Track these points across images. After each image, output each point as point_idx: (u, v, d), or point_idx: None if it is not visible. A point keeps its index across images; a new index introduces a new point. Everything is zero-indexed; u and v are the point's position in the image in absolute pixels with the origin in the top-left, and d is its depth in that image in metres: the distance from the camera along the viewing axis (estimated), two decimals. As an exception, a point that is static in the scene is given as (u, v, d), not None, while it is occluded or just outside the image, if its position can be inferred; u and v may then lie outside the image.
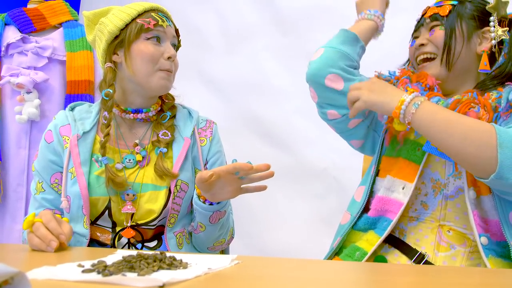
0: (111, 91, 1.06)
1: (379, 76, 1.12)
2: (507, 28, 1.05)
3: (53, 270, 0.65)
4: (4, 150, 1.50)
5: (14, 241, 1.46)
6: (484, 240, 0.92)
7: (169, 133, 1.09)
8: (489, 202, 0.94)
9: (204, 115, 1.18)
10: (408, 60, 1.17)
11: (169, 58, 1.06)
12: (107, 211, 1.03)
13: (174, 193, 1.04)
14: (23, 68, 1.50)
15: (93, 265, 0.67)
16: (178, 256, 0.73)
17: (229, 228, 1.08)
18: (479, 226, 0.92)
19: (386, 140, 1.08)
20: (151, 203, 1.03)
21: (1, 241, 1.47)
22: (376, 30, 1.15)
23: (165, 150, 1.07)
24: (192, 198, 1.08)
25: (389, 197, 1.00)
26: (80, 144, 1.06)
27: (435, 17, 1.07)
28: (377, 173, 1.07)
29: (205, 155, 1.12)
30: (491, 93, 0.99)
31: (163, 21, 1.08)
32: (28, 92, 1.49)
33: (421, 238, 0.97)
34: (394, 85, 1.07)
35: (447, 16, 1.05)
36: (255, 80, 2.19)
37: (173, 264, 0.68)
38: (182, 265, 0.69)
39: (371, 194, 1.05)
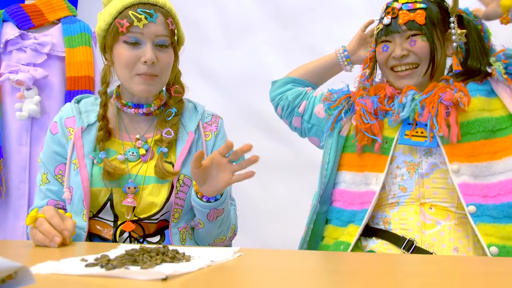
0: (101, 88, 1.06)
1: (330, 92, 1.21)
2: (465, 31, 1.10)
3: (57, 264, 0.65)
4: (5, 147, 1.50)
5: (18, 238, 1.47)
6: (472, 208, 0.96)
7: (172, 132, 1.06)
8: (468, 168, 0.99)
9: (210, 110, 1.17)
10: (369, 73, 1.19)
11: (145, 62, 0.99)
12: (109, 203, 1.03)
13: (176, 187, 1.03)
14: (22, 65, 1.50)
15: (96, 259, 0.67)
16: (181, 249, 0.74)
17: (231, 226, 1.07)
18: (466, 196, 0.97)
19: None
20: (153, 196, 1.03)
21: (5, 238, 1.48)
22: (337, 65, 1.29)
23: (165, 150, 1.05)
24: None
25: (367, 190, 1.06)
26: (84, 136, 1.06)
27: (412, 25, 1.07)
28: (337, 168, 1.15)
29: (209, 150, 1.10)
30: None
31: (139, 20, 0.99)
32: (28, 89, 1.48)
33: (406, 222, 1.01)
34: (346, 101, 1.17)
35: (425, 24, 1.07)
36: (256, 74, 2.19)
37: (175, 257, 0.68)
38: (184, 258, 0.69)
39: (333, 186, 1.14)
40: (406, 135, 1.04)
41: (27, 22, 1.54)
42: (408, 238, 0.98)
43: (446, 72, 1.17)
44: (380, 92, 1.11)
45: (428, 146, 1.01)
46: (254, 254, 0.78)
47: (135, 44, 1.01)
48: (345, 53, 1.28)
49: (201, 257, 0.71)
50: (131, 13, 0.99)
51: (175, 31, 1.07)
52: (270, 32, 2.16)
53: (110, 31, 1.02)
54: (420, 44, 1.07)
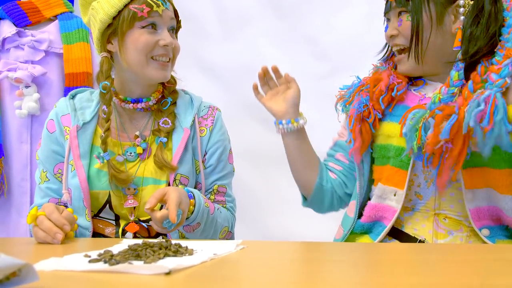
0: (108, 83, 1.02)
1: (341, 90, 1.10)
2: None
3: (60, 261, 0.66)
4: (6, 145, 1.50)
5: (21, 235, 1.47)
6: (485, 232, 0.91)
7: (169, 121, 1.06)
8: (484, 193, 0.92)
9: (207, 101, 1.14)
10: (383, 51, 1.09)
11: (165, 46, 1.01)
12: (108, 205, 1.03)
13: (168, 170, 1.02)
14: (20, 62, 1.49)
15: (99, 255, 0.67)
16: (184, 243, 0.74)
17: (220, 229, 1.03)
18: (477, 222, 0.91)
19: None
20: None
21: (8, 235, 1.48)
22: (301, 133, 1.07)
23: (165, 140, 1.04)
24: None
25: (382, 203, 0.99)
26: (80, 135, 1.04)
27: (400, 0, 0.97)
28: (372, 182, 1.05)
29: (204, 146, 1.08)
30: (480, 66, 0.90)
31: (158, 6, 1.01)
32: (27, 86, 1.48)
33: (418, 228, 0.96)
34: (361, 91, 1.03)
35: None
36: (254, 66, 2.16)
37: (178, 251, 0.69)
38: (187, 251, 0.69)
39: (364, 202, 1.04)
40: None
41: (24, 20, 1.54)
42: (419, 239, 0.94)
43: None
44: (375, 89, 1.00)
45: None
46: (257, 247, 0.78)
47: (153, 28, 1.02)
48: (283, 123, 1.06)
49: (204, 250, 0.72)
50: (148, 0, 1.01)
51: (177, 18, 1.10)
52: (267, 24, 2.15)
53: (124, 17, 1.01)
54: (405, 23, 0.97)
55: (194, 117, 1.08)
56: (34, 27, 1.56)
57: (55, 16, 1.59)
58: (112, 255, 0.66)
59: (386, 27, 1.03)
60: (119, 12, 1.01)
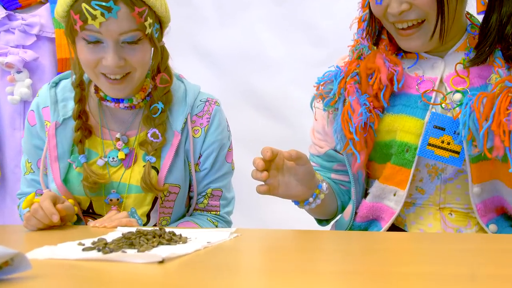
0: (73, 80, 0.92)
1: (318, 84, 0.92)
2: None
3: (54, 249, 0.65)
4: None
5: (16, 222, 1.47)
6: (493, 228, 0.86)
7: (159, 134, 0.93)
8: (491, 185, 0.86)
9: (205, 91, 1.02)
10: (366, 27, 0.92)
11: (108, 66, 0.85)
12: (91, 209, 0.98)
13: (161, 198, 0.94)
14: (11, 47, 1.46)
15: (93, 243, 0.67)
16: (178, 231, 0.74)
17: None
18: (484, 217, 0.86)
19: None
20: (137, 207, 0.95)
21: (3, 222, 1.48)
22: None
23: (153, 160, 0.93)
24: (187, 196, 0.99)
25: (379, 203, 0.90)
26: (59, 133, 0.94)
27: None
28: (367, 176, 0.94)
29: (198, 149, 0.97)
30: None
31: (94, 18, 0.81)
32: (18, 72, 1.46)
33: (425, 228, 0.88)
34: (341, 82, 0.88)
35: None
36: (251, 52, 2.17)
37: (172, 239, 0.68)
38: (181, 240, 0.69)
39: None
40: (429, 144, 0.84)
41: (13, 2, 1.50)
42: None
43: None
44: (374, 78, 0.86)
45: (453, 164, 0.83)
46: (251, 235, 0.78)
47: (96, 42, 0.86)
48: (310, 201, 0.89)
49: (198, 238, 0.72)
50: (85, 7, 0.82)
51: (149, 20, 0.86)
52: (264, 9, 2.13)
53: (67, 23, 0.88)
54: None
55: (186, 117, 0.96)
56: (24, 10, 1.52)
57: (46, -1, 1.57)
58: (106, 243, 0.66)
59: (379, 2, 0.85)
60: (67, 15, 0.87)
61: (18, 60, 1.44)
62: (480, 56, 0.85)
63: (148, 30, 0.87)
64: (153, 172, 0.93)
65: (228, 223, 1.05)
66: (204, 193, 1.01)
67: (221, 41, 2.17)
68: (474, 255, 0.62)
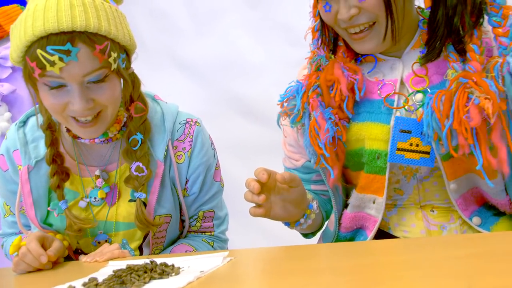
0: (42, 122, 0.86)
1: (281, 101, 0.91)
2: None
3: (44, 295, 0.64)
4: (-17, 168, 1.46)
5: (5, 262, 1.44)
6: (476, 220, 0.85)
7: (144, 168, 0.87)
8: (468, 180, 0.85)
9: (184, 111, 0.97)
10: (321, 36, 0.91)
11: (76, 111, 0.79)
12: (79, 250, 0.95)
13: (152, 230, 0.91)
14: (-13, 81, 1.44)
15: (84, 284, 0.66)
16: (170, 260, 0.72)
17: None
18: (465, 211, 0.86)
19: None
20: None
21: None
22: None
23: (143, 196, 0.88)
24: (179, 220, 0.97)
25: (360, 212, 0.90)
26: (32, 177, 0.88)
27: None
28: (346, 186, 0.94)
29: (183, 174, 0.93)
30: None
31: (52, 65, 0.74)
32: (-3, 106, 1.44)
33: (409, 229, 0.88)
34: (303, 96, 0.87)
35: None
36: (230, 58, 2.15)
37: (164, 271, 0.67)
38: (173, 271, 0.68)
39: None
40: (398, 149, 0.83)
41: (-15, 37, 1.48)
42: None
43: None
44: (335, 90, 0.85)
45: (425, 165, 0.83)
46: (245, 257, 0.76)
47: (59, 87, 0.79)
48: (301, 222, 0.89)
49: (190, 267, 0.70)
50: (40, 54, 0.75)
51: (113, 54, 0.79)
52: (240, 15, 2.12)
53: (24, 68, 0.80)
54: None
55: (167, 145, 0.91)
56: (-3, 43, 1.51)
57: (18, 30, 1.54)
58: (96, 284, 0.65)
59: (329, 8, 0.83)
60: (22, 59, 0.80)
61: (-5, 94, 1.42)
62: (431, 52, 0.83)
63: (114, 66, 0.80)
64: (144, 210, 0.89)
65: (224, 242, 1.03)
66: (196, 216, 0.99)
67: (200, 51, 2.16)
68: (470, 262, 0.60)
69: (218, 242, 1.01)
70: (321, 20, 0.89)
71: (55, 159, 0.89)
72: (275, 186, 0.81)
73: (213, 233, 1.01)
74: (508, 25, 0.78)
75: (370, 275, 0.58)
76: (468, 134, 0.75)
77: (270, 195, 0.81)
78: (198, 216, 0.99)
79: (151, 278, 0.65)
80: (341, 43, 0.92)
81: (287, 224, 0.89)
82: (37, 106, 0.89)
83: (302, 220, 0.87)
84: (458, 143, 0.77)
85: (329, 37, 0.91)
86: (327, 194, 0.98)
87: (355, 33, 0.84)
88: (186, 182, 0.95)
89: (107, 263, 0.81)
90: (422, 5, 0.90)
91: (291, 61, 2.04)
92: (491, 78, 0.76)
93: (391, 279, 0.55)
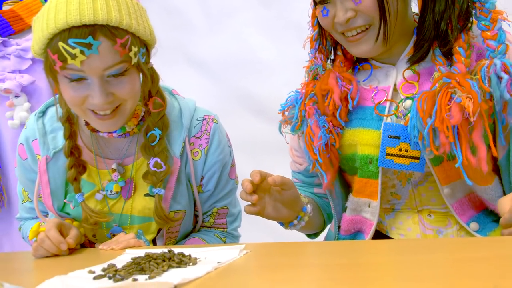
0: (61, 115, 0.87)
1: (281, 111, 0.94)
2: None
3: (65, 279, 0.66)
4: (2, 156, 1.50)
5: (24, 244, 1.48)
6: (474, 226, 0.86)
7: (162, 163, 0.87)
8: (463, 185, 0.85)
9: (201, 107, 0.97)
10: (319, 45, 0.94)
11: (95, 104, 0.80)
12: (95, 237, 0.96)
13: (170, 226, 0.92)
14: (8, 72, 1.48)
15: (103, 270, 0.68)
16: (187, 251, 0.74)
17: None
18: (462, 216, 0.86)
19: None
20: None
21: (13, 247, 1.49)
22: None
23: (162, 192, 0.89)
24: (193, 214, 0.98)
25: (358, 216, 0.93)
26: (50, 168, 0.89)
27: None
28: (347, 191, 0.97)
29: (199, 171, 0.93)
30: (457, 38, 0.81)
31: (73, 57, 0.75)
32: (17, 96, 1.47)
33: (405, 233, 0.90)
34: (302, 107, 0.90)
35: None
36: (243, 56, 2.17)
37: (182, 261, 0.69)
38: (191, 261, 0.69)
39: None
40: (388, 154, 0.85)
41: (7, 29, 1.51)
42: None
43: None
44: (329, 99, 0.87)
45: (415, 170, 0.84)
46: (261, 250, 0.78)
47: (80, 80, 0.80)
48: (295, 223, 0.92)
49: (207, 258, 0.72)
50: (62, 46, 0.75)
51: (134, 48, 0.80)
52: (253, 13, 2.13)
53: (45, 60, 0.81)
54: (367, 0, 0.81)
55: (184, 141, 0.91)
56: (18, 35, 1.54)
57: (39, 22, 1.58)
58: (116, 270, 0.67)
59: (327, 12, 0.86)
60: (44, 51, 0.81)
61: (15, 85, 1.45)
62: (418, 53, 0.85)
63: (134, 60, 0.81)
64: (163, 206, 0.90)
65: (236, 238, 1.04)
66: (209, 213, 1.00)
67: (213, 48, 2.18)
68: (491, 264, 0.59)
69: (230, 238, 1.03)
70: (320, 30, 0.93)
71: (73, 151, 0.90)
72: (270, 188, 0.85)
73: (226, 229, 1.02)
74: (496, 28, 0.80)
75: (365, 274, 0.59)
76: (449, 132, 0.76)
77: (264, 196, 0.85)
78: (212, 213, 1.00)
79: (169, 266, 0.67)
80: (339, 53, 0.95)
81: (282, 224, 0.93)
82: (56, 96, 0.91)
83: (295, 222, 0.91)
84: (440, 142, 0.78)
85: (326, 46, 0.95)
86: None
87: (352, 36, 0.86)
88: (202, 179, 0.96)
89: (124, 251, 0.84)
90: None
91: (303, 60, 2.06)
92: (476, 80, 0.78)
93: (387, 278, 0.57)
